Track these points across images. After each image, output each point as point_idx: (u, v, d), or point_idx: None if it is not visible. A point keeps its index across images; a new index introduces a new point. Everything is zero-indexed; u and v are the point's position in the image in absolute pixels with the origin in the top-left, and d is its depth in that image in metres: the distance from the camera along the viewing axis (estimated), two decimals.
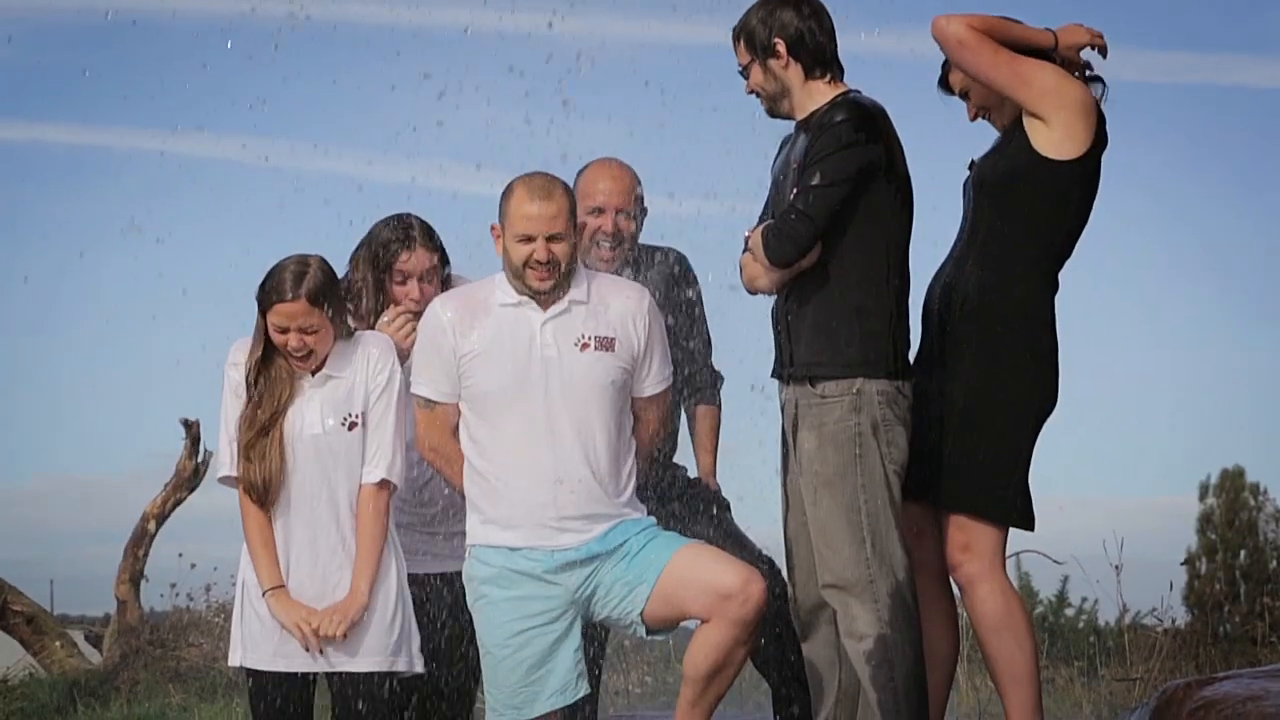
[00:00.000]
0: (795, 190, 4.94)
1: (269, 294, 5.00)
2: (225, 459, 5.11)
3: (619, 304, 5.06)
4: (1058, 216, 5.10)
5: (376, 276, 5.34)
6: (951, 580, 5.19)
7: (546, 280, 4.96)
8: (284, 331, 4.99)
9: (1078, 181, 5.10)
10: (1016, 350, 5.06)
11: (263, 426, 5.01)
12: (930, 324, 5.18)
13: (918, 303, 5.18)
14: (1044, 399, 5.11)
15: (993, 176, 5.12)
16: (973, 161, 5.27)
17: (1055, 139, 5.05)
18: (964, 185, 5.25)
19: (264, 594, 5.02)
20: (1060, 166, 5.06)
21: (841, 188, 4.90)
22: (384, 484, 5.05)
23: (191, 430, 10.50)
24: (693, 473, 5.77)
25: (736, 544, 5.44)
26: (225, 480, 5.12)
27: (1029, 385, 5.07)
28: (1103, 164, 5.15)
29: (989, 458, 5.06)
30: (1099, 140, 5.12)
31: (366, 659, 5.02)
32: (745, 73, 5.16)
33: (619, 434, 5.03)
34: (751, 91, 5.16)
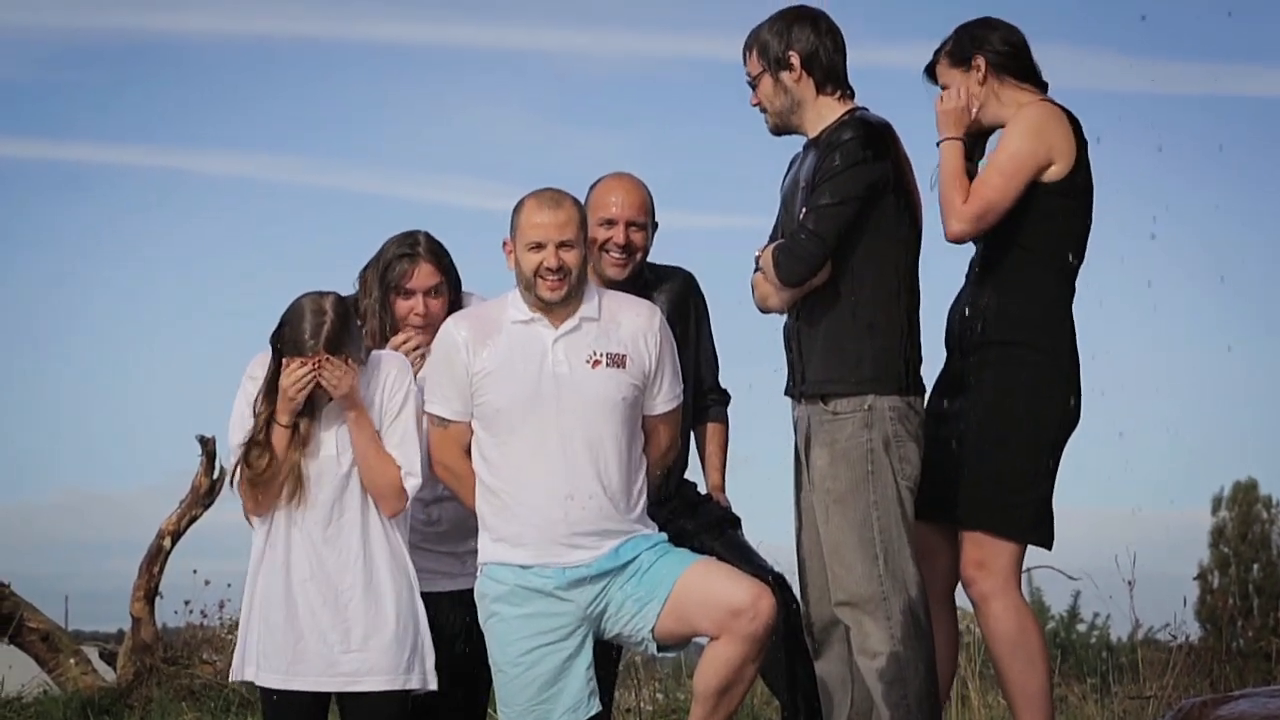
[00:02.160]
0: (804, 209, 4.95)
1: (287, 346, 4.99)
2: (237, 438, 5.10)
3: (630, 321, 5.07)
4: (1063, 231, 5.13)
5: (384, 295, 5.35)
6: (966, 596, 5.19)
7: (558, 289, 4.97)
8: None
9: (1074, 193, 5.13)
10: (1038, 367, 5.07)
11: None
12: (952, 348, 5.20)
13: (928, 320, 5.21)
14: (1065, 417, 5.11)
15: None
16: None
17: (1053, 170, 5.10)
18: None
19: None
20: (1054, 186, 5.09)
21: (850, 206, 4.92)
22: (405, 492, 5.07)
23: (208, 446, 10.49)
24: (702, 489, 5.78)
25: (746, 560, 5.44)
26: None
27: (1049, 402, 5.08)
28: (1091, 165, 5.17)
29: (1007, 474, 5.05)
30: (1080, 142, 5.14)
31: (379, 677, 5.02)
32: (754, 84, 5.18)
33: (630, 451, 5.04)
34: (757, 103, 5.19)
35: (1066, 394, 5.11)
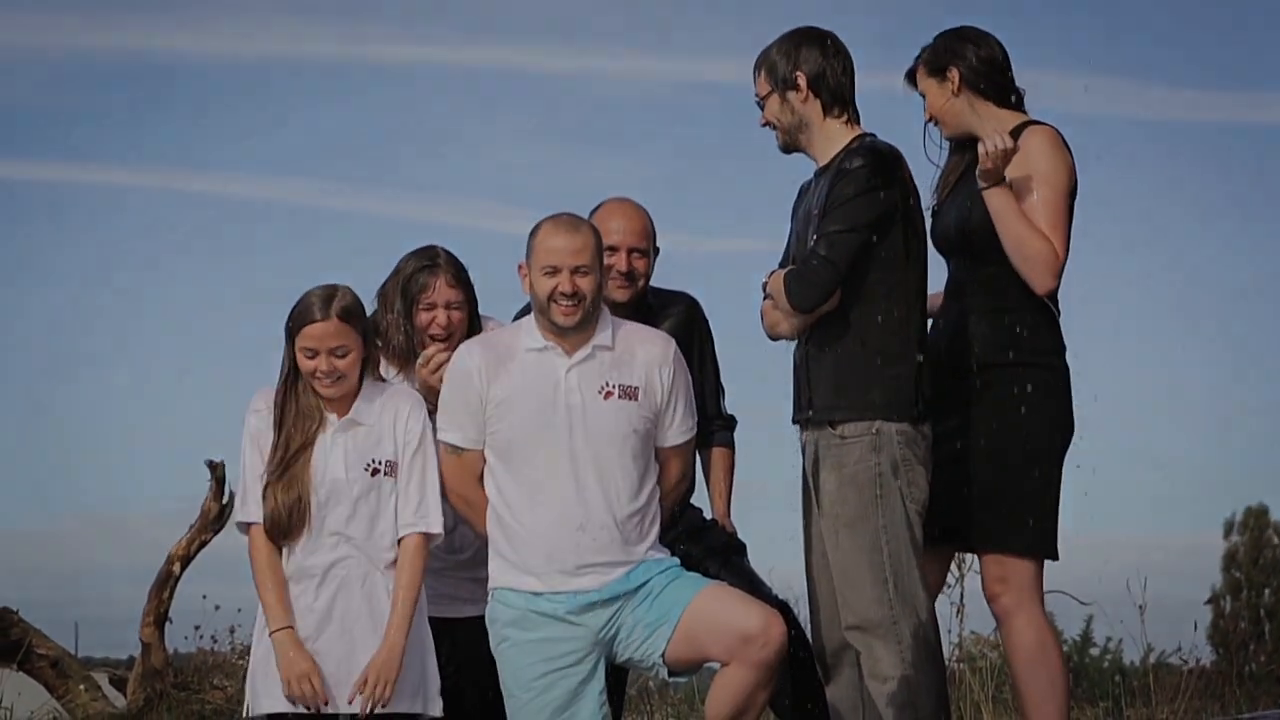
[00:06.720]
0: (816, 236, 4.96)
1: (298, 318, 4.99)
2: (246, 502, 5.09)
3: (644, 352, 5.06)
4: None
5: (406, 307, 5.36)
6: (991, 613, 5.19)
7: (573, 315, 4.96)
8: (313, 356, 4.98)
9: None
10: (1036, 382, 5.09)
11: (290, 458, 4.99)
12: (941, 370, 5.17)
13: None
14: (1066, 428, 5.15)
15: (974, 223, 5.14)
16: (933, 209, 5.28)
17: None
18: (932, 231, 5.24)
19: (271, 634, 5.00)
20: None
21: (861, 233, 4.93)
22: (429, 536, 5.04)
23: (216, 471, 10.50)
24: (708, 514, 5.77)
25: (751, 586, 5.42)
26: (243, 526, 5.10)
27: (1052, 417, 5.12)
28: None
29: (1020, 493, 5.07)
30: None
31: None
32: (762, 104, 5.19)
33: (642, 481, 5.03)
34: (766, 123, 5.20)
35: (1065, 404, 5.15)
